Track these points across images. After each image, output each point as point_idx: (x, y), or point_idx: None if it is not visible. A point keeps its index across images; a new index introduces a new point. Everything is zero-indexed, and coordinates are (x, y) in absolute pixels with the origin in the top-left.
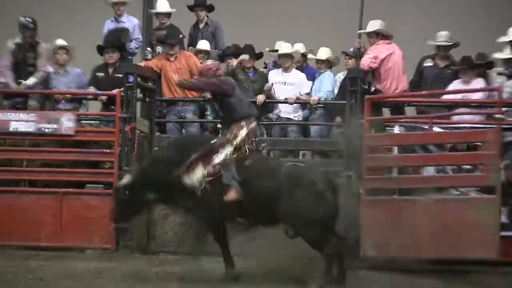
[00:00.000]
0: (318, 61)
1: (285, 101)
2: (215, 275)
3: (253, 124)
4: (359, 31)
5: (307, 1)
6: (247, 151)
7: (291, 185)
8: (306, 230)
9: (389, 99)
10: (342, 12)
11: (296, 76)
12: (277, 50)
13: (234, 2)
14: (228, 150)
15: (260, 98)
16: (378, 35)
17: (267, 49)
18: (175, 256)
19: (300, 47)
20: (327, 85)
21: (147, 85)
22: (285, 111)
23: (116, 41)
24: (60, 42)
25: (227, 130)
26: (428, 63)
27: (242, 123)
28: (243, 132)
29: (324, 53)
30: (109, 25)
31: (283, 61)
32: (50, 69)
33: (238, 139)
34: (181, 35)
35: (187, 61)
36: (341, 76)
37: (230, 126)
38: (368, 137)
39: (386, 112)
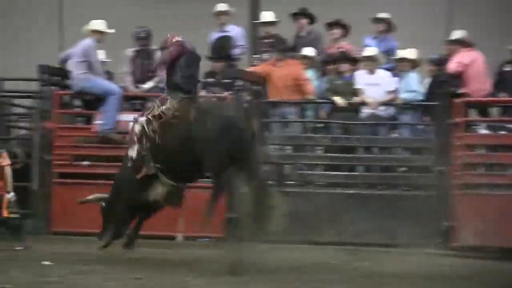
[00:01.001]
0: (403, 60)
1: (366, 103)
2: (322, 263)
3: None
4: (445, 39)
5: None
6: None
7: (201, 116)
8: (208, 154)
9: (476, 100)
10: (429, 19)
11: (381, 76)
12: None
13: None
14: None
15: (339, 101)
16: (461, 43)
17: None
18: (283, 244)
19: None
20: (414, 85)
21: (254, 88)
22: (374, 108)
23: (221, 48)
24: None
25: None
26: (508, 68)
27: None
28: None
29: (412, 53)
30: (215, 35)
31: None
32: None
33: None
34: (286, 44)
35: (291, 68)
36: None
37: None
38: (458, 136)
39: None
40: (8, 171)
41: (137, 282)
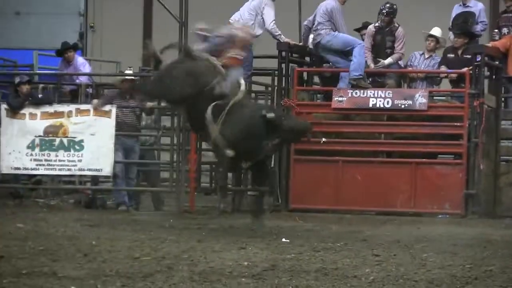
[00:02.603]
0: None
1: None
2: None
3: None
4: None
5: None
6: None
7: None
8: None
9: None
10: None
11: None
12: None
13: None
14: None
15: None
16: None
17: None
18: None
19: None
20: None
21: (494, 63)
22: None
23: (463, 23)
24: (435, 30)
25: None
26: None
27: None
28: None
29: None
30: (457, 9)
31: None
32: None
33: None
34: None
35: None
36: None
37: None
38: None
39: None
40: None
41: (375, 258)
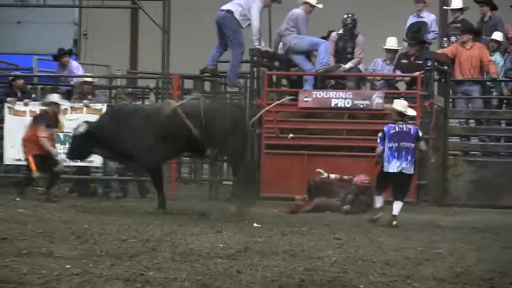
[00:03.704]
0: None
1: None
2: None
3: None
4: None
5: None
6: None
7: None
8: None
9: None
10: None
11: None
12: None
13: None
14: None
15: None
16: None
17: None
18: (466, 208)
19: None
20: None
21: (443, 68)
22: None
23: (416, 32)
24: (390, 41)
25: None
26: None
27: None
28: None
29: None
30: (411, 19)
31: None
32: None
33: None
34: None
35: (479, 51)
36: None
37: None
38: None
39: None
40: None
41: (337, 242)
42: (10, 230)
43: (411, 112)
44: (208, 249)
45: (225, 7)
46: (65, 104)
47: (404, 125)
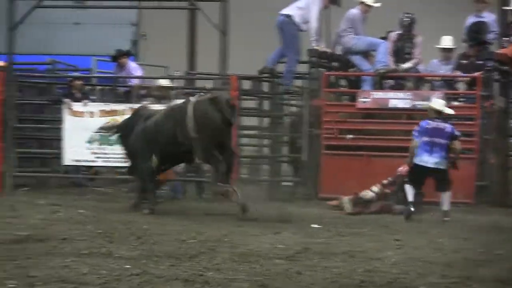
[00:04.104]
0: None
1: None
2: None
3: None
4: None
5: None
6: None
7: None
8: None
9: None
10: None
11: None
12: None
13: None
14: None
15: None
16: None
17: None
18: None
19: None
20: None
21: (503, 68)
22: None
23: (477, 33)
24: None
25: None
26: None
27: None
28: None
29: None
30: (471, 19)
31: None
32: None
33: None
34: None
35: None
36: None
37: None
38: None
39: None
40: None
41: (396, 243)
42: (70, 230)
43: (449, 111)
44: (267, 250)
45: (285, 11)
46: (123, 105)
47: (439, 122)
